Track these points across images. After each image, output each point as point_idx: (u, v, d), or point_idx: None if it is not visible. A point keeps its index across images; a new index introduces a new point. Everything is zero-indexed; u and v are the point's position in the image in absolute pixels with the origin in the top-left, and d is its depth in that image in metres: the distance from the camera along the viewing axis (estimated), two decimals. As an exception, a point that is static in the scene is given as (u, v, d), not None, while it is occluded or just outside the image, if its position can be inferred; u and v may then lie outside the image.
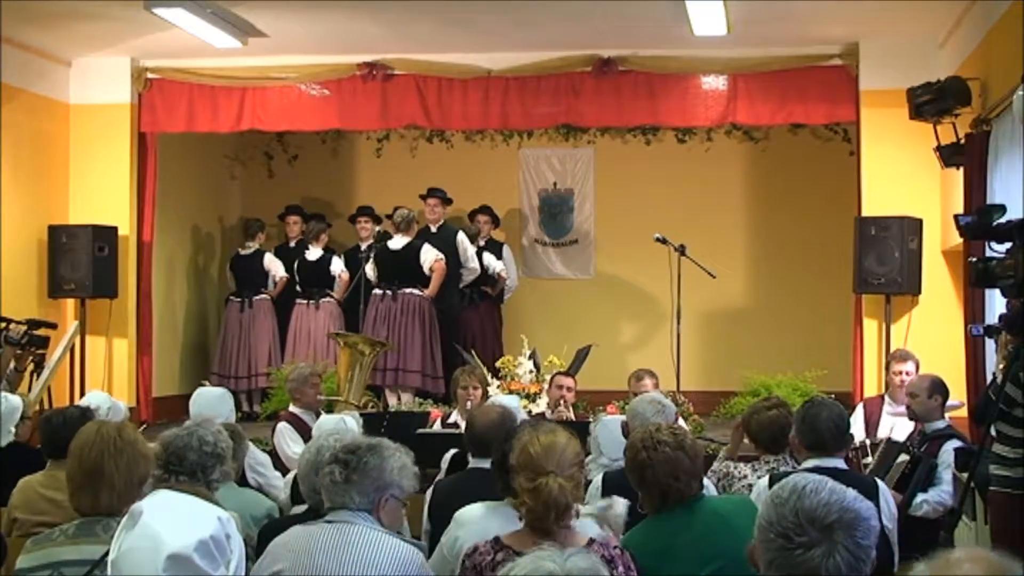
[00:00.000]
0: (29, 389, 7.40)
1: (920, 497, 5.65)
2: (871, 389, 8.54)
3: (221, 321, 11.01)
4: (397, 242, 9.82)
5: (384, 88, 9.58)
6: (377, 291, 9.76)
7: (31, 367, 7.44)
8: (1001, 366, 5.11)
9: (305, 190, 11.96)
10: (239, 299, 10.69)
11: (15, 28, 8.60)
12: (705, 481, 4.13)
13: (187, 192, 11.19)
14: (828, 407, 4.56)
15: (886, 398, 7.23)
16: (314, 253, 10.70)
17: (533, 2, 8.13)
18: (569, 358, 8.46)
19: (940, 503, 5.64)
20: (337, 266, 10.60)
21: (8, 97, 8.87)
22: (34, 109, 9.34)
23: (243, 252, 10.90)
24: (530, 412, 7.62)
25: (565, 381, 7.82)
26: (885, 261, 8.50)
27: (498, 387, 8.27)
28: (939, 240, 8.62)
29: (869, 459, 6.07)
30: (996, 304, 6.53)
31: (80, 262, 9.25)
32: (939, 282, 8.64)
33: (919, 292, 8.61)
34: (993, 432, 4.75)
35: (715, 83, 9.24)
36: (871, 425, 7.03)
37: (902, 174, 8.83)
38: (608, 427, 5.34)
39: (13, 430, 5.52)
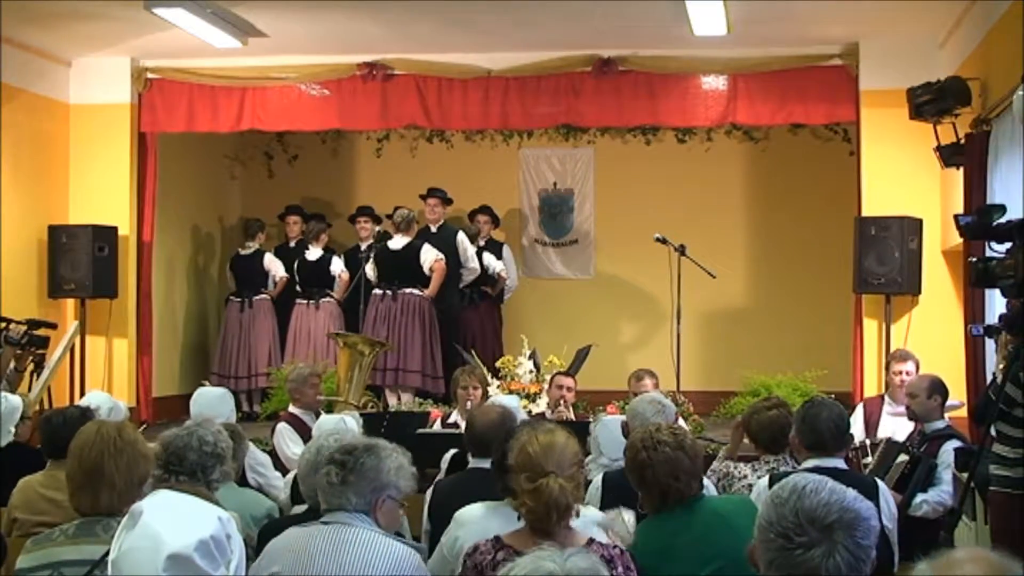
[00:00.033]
0: (29, 389, 7.39)
1: (920, 497, 5.65)
2: (871, 389, 8.54)
3: (221, 321, 11.01)
4: (397, 242, 9.83)
5: (384, 88, 9.58)
6: (377, 291, 9.76)
7: (31, 367, 7.43)
8: (1001, 366, 5.11)
9: (305, 190, 11.96)
10: (239, 299, 10.69)
11: (15, 28, 8.60)
12: (705, 481, 4.14)
13: (187, 192, 11.19)
14: (828, 407, 4.56)
15: (886, 398, 7.23)
16: (314, 253, 10.70)
17: (533, 2, 8.13)
18: (569, 358, 8.46)
19: (940, 503, 5.64)
20: (337, 266, 10.60)
21: (8, 97, 8.87)
22: (34, 109, 9.34)
23: (243, 252, 10.90)
24: (530, 412, 7.62)
25: (565, 381, 7.82)
26: (885, 261, 8.50)
27: (498, 387, 8.27)
28: (939, 240, 8.62)
29: (869, 459, 6.07)
30: (996, 304, 6.53)
31: (80, 262, 9.25)
32: (939, 282, 8.64)
33: (919, 292, 8.61)
34: (993, 432, 4.75)
35: (715, 83, 9.24)
36: (871, 425, 7.03)
37: (902, 174, 8.83)
38: (608, 427, 5.34)
39: (13, 430, 5.52)
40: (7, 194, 8.89)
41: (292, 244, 11.05)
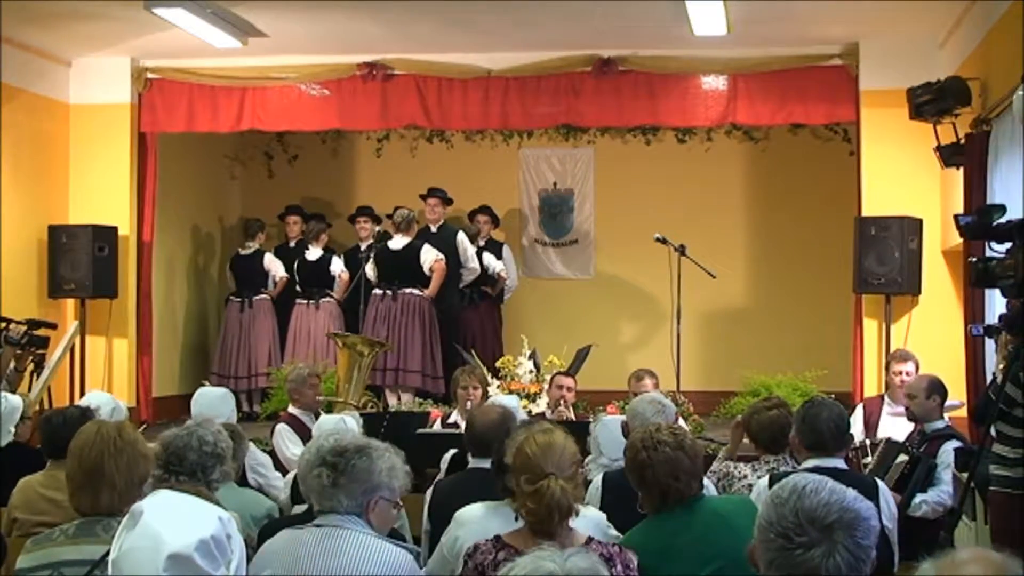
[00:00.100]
0: (29, 389, 7.39)
1: (919, 497, 5.65)
2: (871, 389, 8.54)
3: (221, 321, 11.01)
4: (397, 242, 9.83)
5: (384, 88, 9.58)
6: (377, 291, 9.76)
7: (31, 367, 7.43)
8: (1001, 366, 5.11)
9: (305, 190, 11.96)
10: (239, 299, 10.69)
11: (15, 28, 8.60)
12: (705, 481, 4.13)
13: (187, 192, 11.19)
14: (828, 407, 4.56)
15: (885, 398, 7.22)
16: (314, 253, 10.70)
17: (533, 2, 8.13)
18: (569, 358, 8.46)
19: (939, 503, 5.64)
20: (337, 266, 10.60)
21: (8, 97, 8.87)
22: (34, 109, 9.34)
23: (243, 252, 10.90)
24: (530, 412, 7.61)
25: (565, 381, 7.82)
26: (885, 261, 8.50)
27: (498, 387, 8.27)
28: (939, 240, 8.63)
29: (869, 459, 6.07)
30: (996, 304, 6.53)
31: (80, 262, 9.25)
32: (939, 282, 8.64)
33: (919, 292, 8.61)
34: (993, 432, 4.75)
35: (715, 83, 9.24)
36: (870, 425, 7.03)
37: (902, 174, 8.83)
38: (608, 427, 5.34)
39: (13, 430, 5.52)
40: (7, 194, 8.89)
41: (292, 244, 11.05)
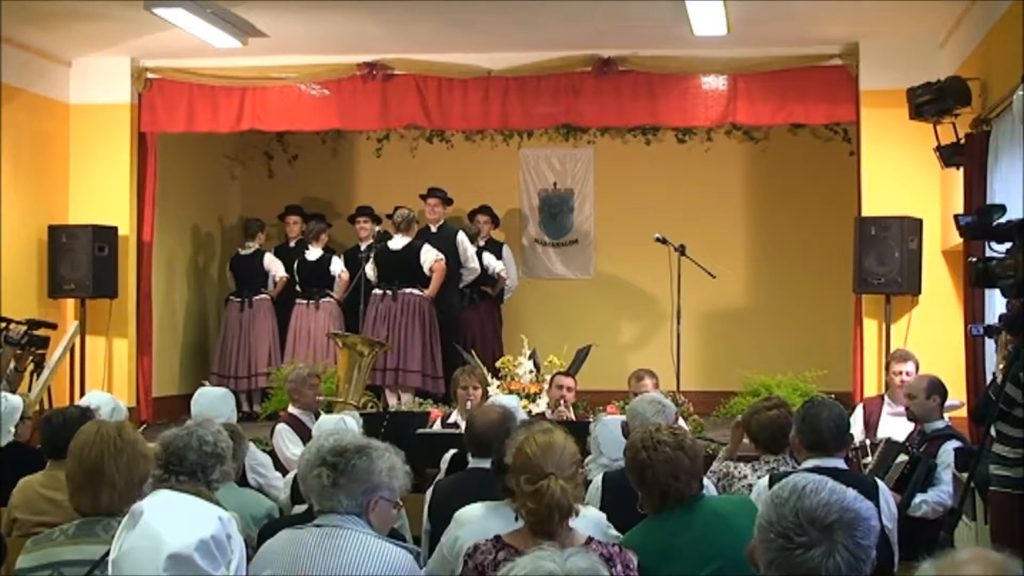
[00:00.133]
0: (29, 389, 7.39)
1: (919, 498, 5.65)
2: (871, 389, 8.54)
3: (221, 321, 11.01)
4: (397, 242, 9.83)
5: (384, 88, 9.58)
6: (377, 291, 9.77)
7: (31, 367, 7.43)
8: (1001, 366, 5.11)
9: (305, 190, 11.96)
10: (239, 299, 10.70)
11: (15, 28, 8.60)
12: (705, 481, 4.13)
13: (187, 192, 11.19)
14: (828, 407, 4.56)
15: (885, 398, 7.22)
16: (314, 253, 10.70)
17: (533, 2, 8.13)
18: (569, 358, 8.46)
19: (939, 503, 5.64)
20: (337, 266, 10.60)
21: (8, 97, 8.87)
22: (34, 109, 9.34)
23: (243, 252, 10.90)
24: (530, 412, 7.61)
25: (565, 381, 7.82)
26: (885, 261, 8.50)
27: (498, 387, 8.27)
28: (939, 240, 8.63)
29: (869, 459, 6.07)
30: (996, 304, 6.53)
31: (80, 262, 9.25)
32: (939, 282, 8.64)
33: (919, 292, 8.61)
34: (993, 432, 4.75)
35: (715, 83, 9.24)
36: (870, 425, 7.02)
37: (902, 174, 8.83)
38: (608, 427, 5.34)
39: (13, 430, 5.52)
40: (7, 194, 8.89)
41: (292, 244, 11.05)
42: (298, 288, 10.65)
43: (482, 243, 10.67)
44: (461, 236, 10.15)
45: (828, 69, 9.08)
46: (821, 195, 10.94)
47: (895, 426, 6.63)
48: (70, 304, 9.58)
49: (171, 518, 3.09)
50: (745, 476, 4.91)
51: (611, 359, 10.12)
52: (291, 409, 7.09)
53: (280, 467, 6.33)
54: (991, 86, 7.34)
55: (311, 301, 10.51)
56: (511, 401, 6.23)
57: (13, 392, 6.57)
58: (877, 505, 4.06)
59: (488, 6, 8.24)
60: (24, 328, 7.36)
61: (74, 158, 9.79)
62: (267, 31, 8.81)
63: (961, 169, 7.68)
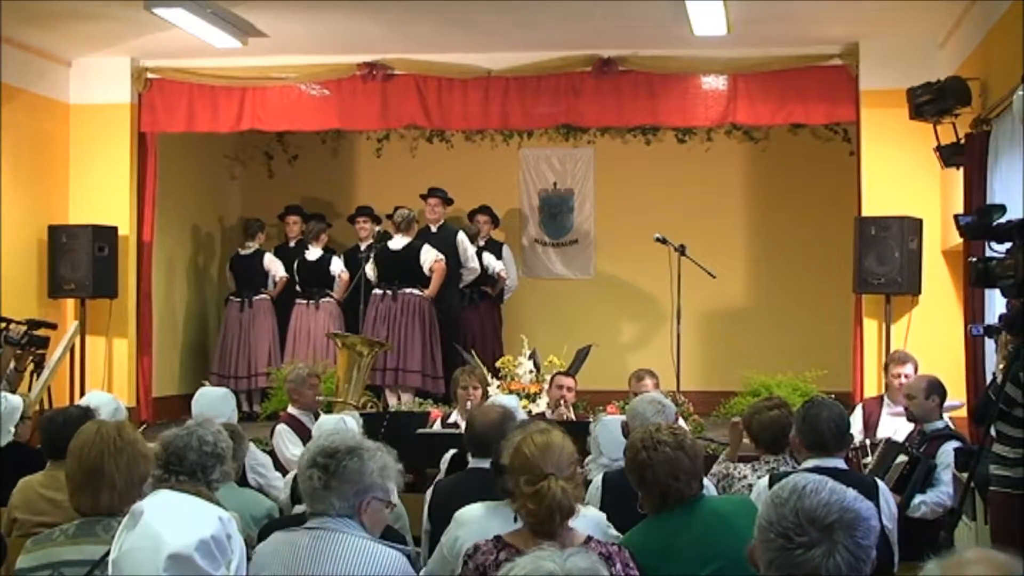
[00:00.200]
0: (29, 389, 7.39)
1: (918, 498, 5.65)
2: (871, 389, 8.54)
3: (221, 321, 11.01)
4: (397, 242, 9.83)
5: (384, 88, 9.58)
6: (377, 291, 9.77)
7: (31, 367, 7.43)
8: (1001, 366, 5.11)
9: (305, 190, 11.96)
10: (239, 299, 10.70)
11: (15, 28, 8.60)
12: (705, 482, 4.14)
13: (187, 192, 11.19)
14: (828, 407, 4.56)
15: (885, 399, 7.20)
16: (314, 253, 10.70)
17: (533, 2, 8.13)
18: (569, 358, 8.46)
19: (938, 504, 5.64)
20: (337, 266, 10.60)
21: (8, 97, 8.87)
22: (34, 109, 9.34)
23: (243, 252, 10.90)
24: (530, 412, 7.61)
25: (565, 381, 7.82)
26: (885, 261, 8.50)
27: (498, 387, 8.27)
28: (939, 240, 8.63)
29: (869, 459, 6.07)
30: (996, 304, 6.52)
31: (80, 262, 9.25)
32: (939, 282, 8.64)
33: (919, 292, 8.61)
34: (993, 432, 4.75)
35: (715, 83, 9.24)
36: (870, 425, 7.01)
37: (902, 174, 8.83)
38: (608, 427, 5.34)
39: (13, 430, 5.51)
40: (7, 194, 8.89)
41: (292, 244, 11.05)
42: (298, 288, 10.65)
43: (482, 243, 10.67)
44: (461, 236, 10.15)
45: (828, 69, 9.07)
46: (821, 195, 10.94)
47: (894, 426, 6.63)
48: (70, 304, 9.58)
49: (171, 518, 3.09)
50: (745, 476, 4.91)
51: (611, 359, 10.13)
52: (291, 409, 7.09)
53: (280, 468, 6.33)
54: (991, 86, 7.34)
55: (311, 301, 10.51)
56: (511, 401, 6.23)
57: (13, 392, 6.57)
58: (877, 505, 4.06)
59: (488, 6, 8.24)
60: (24, 328, 7.36)
61: (74, 158, 9.79)
62: (267, 31, 8.81)
63: (961, 169, 7.68)
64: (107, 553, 3.14)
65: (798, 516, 2.18)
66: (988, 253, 4.91)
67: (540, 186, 11.95)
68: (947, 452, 5.65)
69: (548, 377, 8.15)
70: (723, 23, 8.24)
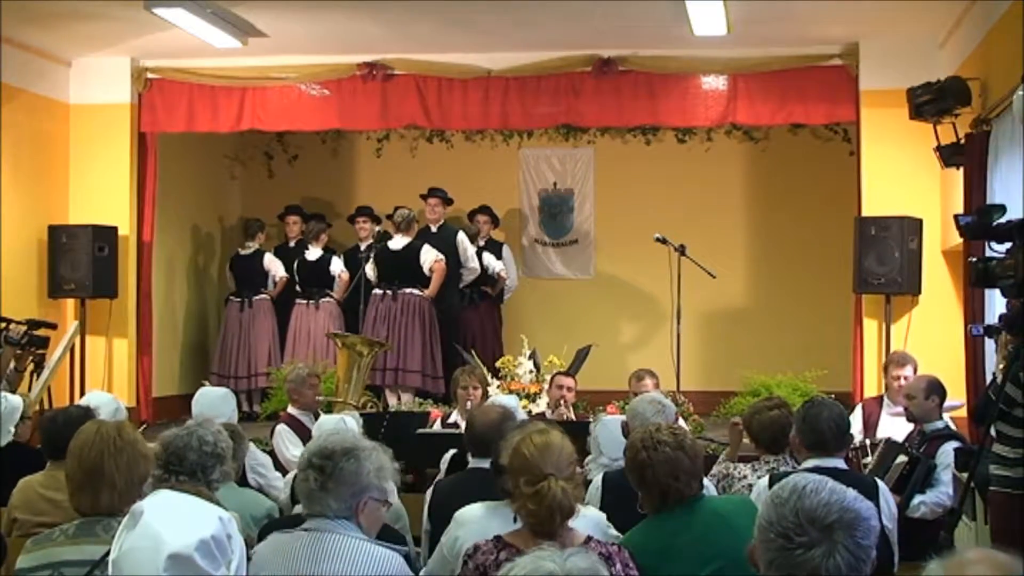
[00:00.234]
0: (29, 389, 7.39)
1: (918, 498, 5.65)
2: (871, 389, 8.54)
3: (221, 321, 11.01)
4: (397, 242, 9.83)
5: (384, 88, 9.58)
6: (377, 291, 9.77)
7: (31, 367, 7.43)
8: (1001, 366, 5.11)
9: (305, 190, 11.96)
10: (239, 299, 10.70)
11: (15, 28, 8.60)
12: (705, 482, 4.14)
13: (187, 192, 11.20)
14: (828, 407, 4.57)
15: (885, 399, 7.20)
16: (314, 253, 10.70)
17: (533, 2, 8.13)
18: (569, 358, 8.46)
19: (938, 504, 5.63)
20: (337, 266, 10.60)
21: (8, 97, 8.87)
22: (34, 109, 9.34)
23: (243, 252, 10.90)
24: (530, 412, 7.61)
25: (565, 381, 7.82)
26: (885, 261, 8.50)
27: (498, 387, 8.27)
28: (939, 240, 8.63)
29: (868, 459, 6.07)
30: (996, 304, 6.52)
31: (80, 262, 9.25)
32: (939, 282, 8.64)
33: (919, 292, 8.61)
34: (993, 432, 4.75)
35: (715, 83, 9.24)
36: (869, 426, 7.00)
37: (902, 174, 8.83)
38: (608, 427, 5.34)
39: (13, 430, 5.52)
40: (7, 194, 8.89)
41: (292, 244, 11.05)
42: (298, 288, 10.65)
43: (482, 243, 10.68)
44: (461, 236, 10.15)
45: (828, 69, 9.08)
46: (821, 195, 10.94)
47: (894, 426, 6.62)
48: (70, 304, 9.58)
49: (171, 518, 3.09)
50: (745, 476, 4.91)
51: (611, 359, 10.13)
52: (290, 409, 7.08)
53: (280, 468, 6.33)
54: (991, 86, 7.34)
55: (311, 301, 10.51)
56: (511, 401, 6.23)
57: (13, 392, 6.57)
58: (877, 505, 4.06)
59: (488, 6, 8.24)
60: (24, 328, 7.36)
61: (74, 158, 9.79)
62: (267, 31, 8.81)
63: (961, 169, 7.68)
64: (107, 553, 3.14)
65: (798, 516, 2.18)
66: (988, 253, 4.91)
67: (540, 186, 11.95)
68: (947, 452, 5.65)
69: (548, 377, 8.15)
70: (723, 23, 8.25)
